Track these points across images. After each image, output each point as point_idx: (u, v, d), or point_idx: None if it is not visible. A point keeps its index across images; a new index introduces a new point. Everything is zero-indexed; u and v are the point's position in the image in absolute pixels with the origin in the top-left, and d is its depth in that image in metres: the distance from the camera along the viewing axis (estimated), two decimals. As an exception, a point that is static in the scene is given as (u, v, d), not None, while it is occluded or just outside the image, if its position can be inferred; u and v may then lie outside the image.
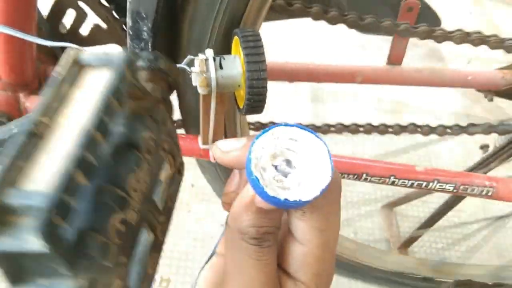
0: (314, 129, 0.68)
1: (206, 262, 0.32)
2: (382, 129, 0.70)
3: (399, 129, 0.69)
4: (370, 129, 0.69)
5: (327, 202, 0.24)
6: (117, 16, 0.53)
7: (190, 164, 1.33)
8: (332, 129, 0.69)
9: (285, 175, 0.23)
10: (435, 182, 0.52)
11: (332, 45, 1.48)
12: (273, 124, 0.55)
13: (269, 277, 0.24)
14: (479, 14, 1.79)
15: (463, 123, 0.72)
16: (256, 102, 0.35)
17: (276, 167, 0.24)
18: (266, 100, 0.35)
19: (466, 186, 0.52)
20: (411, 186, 0.52)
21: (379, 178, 0.51)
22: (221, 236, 0.30)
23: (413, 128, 0.70)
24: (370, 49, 1.44)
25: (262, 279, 0.24)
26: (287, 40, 1.52)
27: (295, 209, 0.24)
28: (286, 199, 0.22)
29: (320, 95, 1.42)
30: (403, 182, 0.51)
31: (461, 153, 1.36)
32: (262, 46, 0.34)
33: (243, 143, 0.25)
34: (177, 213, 1.11)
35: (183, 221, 1.11)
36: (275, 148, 0.24)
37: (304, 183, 0.23)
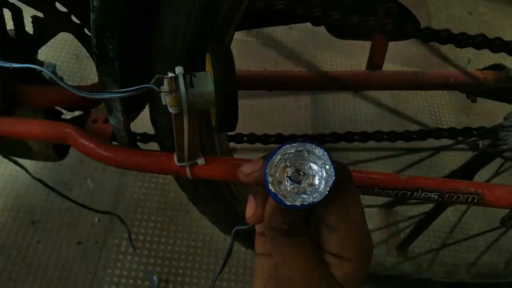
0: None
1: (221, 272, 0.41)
2: (378, 136, 0.69)
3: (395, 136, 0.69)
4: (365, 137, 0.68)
5: (341, 193, 0.29)
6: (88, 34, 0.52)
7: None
8: (327, 139, 0.68)
9: (299, 182, 0.29)
10: (420, 191, 0.51)
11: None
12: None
13: (310, 258, 0.30)
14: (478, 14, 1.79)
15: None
16: (226, 120, 0.34)
17: (290, 177, 0.29)
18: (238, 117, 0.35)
19: (452, 194, 0.51)
20: (396, 196, 0.51)
21: (362, 189, 0.50)
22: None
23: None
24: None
25: (304, 260, 0.30)
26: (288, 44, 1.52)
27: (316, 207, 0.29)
28: (302, 204, 0.27)
29: (320, 94, 1.42)
30: (387, 192, 0.51)
31: (462, 153, 1.36)
32: (231, 61, 0.33)
33: (260, 164, 0.31)
34: (176, 214, 1.11)
35: (182, 222, 1.11)
36: (286, 162, 0.29)
37: (315, 184, 0.28)
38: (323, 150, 0.29)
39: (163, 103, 0.32)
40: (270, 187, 0.28)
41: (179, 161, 0.42)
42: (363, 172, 0.51)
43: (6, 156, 0.52)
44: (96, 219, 1.08)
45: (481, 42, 0.56)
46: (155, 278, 1.01)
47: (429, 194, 0.51)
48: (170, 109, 0.33)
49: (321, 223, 0.31)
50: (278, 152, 0.29)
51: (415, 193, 0.51)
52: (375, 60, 0.59)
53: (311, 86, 0.59)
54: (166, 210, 1.12)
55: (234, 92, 0.33)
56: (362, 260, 0.30)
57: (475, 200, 0.52)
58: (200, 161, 0.42)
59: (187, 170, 0.42)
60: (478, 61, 1.58)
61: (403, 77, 0.59)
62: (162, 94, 0.32)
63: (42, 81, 0.55)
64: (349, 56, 1.52)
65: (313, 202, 0.27)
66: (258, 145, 0.64)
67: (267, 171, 0.28)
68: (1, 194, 1.08)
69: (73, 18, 0.51)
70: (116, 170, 1.17)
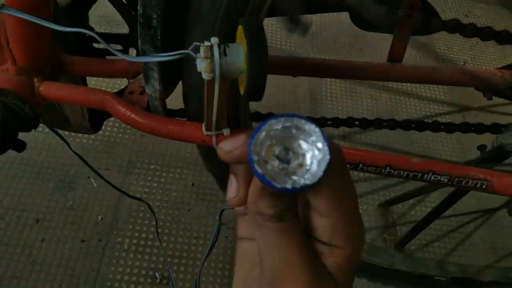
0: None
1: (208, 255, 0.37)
2: (378, 124, 0.70)
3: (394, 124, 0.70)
4: (366, 123, 0.70)
5: (334, 176, 0.26)
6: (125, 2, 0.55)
7: (190, 164, 1.34)
8: (329, 122, 0.69)
9: (288, 161, 0.25)
10: (430, 173, 0.52)
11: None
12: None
13: (299, 246, 0.27)
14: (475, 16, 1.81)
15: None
16: (255, 89, 0.36)
17: (277, 156, 0.25)
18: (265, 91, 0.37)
19: (461, 179, 0.52)
20: (407, 177, 0.52)
21: (375, 168, 0.51)
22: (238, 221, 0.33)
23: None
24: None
25: (293, 249, 0.27)
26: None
27: (307, 191, 0.26)
28: (293, 187, 0.24)
29: (318, 95, 1.44)
30: (399, 172, 0.51)
31: (459, 153, 1.38)
32: (263, 34, 0.35)
33: (243, 140, 0.27)
34: (177, 212, 1.13)
35: (183, 220, 1.13)
36: (272, 139, 0.25)
37: (306, 165, 0.25)
38: (314, 125, 0.25)
39: (198, 69, 0.34)
40: (256, 168, 0.24)
41: (207, 129, 0.44)
42: (376, 152, 0.52)
43: (51, 127, 0.55)
44: (99, 217, 1.10)
45: (488, 33, 0.58)
46: (157, 275, 1.03)
47: (439, 177, 0.52)
48: (204, 76, 0.35)
49: (310, 208, 0.28)
50: (263, 127, 0.25)
51: (426, 175, 0.52)
52: (396, 53, 0.60)
53: (334, 73, 0.61)
54: (168, 208, 1.14)
55: (264, 62, 0.34)
56: (354, 249, 0.28)
57: (484, 187, 0.52)
58: (226, 131, 0.43)
59: (213, 139, 0.44)
60: (474, 62, 1.60)
61: (421, 71, 0.60)
62: (198, 60, 0.34)
63: (83, 53, 0.59)
64: (348, 58, 1.54)
65: (305, 184, 0.24)
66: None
67: (251, 148, 0.25)
68: (6, 193, 1.09)
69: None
70: (118, 170, 1.19)
